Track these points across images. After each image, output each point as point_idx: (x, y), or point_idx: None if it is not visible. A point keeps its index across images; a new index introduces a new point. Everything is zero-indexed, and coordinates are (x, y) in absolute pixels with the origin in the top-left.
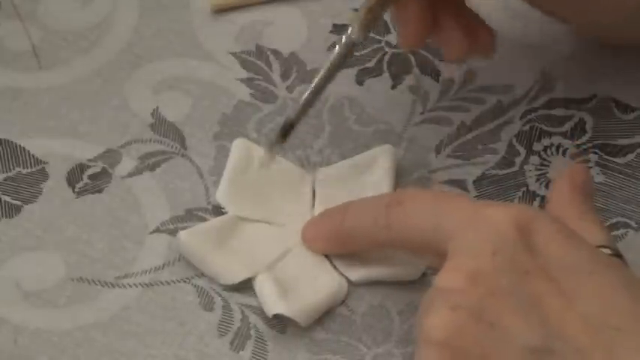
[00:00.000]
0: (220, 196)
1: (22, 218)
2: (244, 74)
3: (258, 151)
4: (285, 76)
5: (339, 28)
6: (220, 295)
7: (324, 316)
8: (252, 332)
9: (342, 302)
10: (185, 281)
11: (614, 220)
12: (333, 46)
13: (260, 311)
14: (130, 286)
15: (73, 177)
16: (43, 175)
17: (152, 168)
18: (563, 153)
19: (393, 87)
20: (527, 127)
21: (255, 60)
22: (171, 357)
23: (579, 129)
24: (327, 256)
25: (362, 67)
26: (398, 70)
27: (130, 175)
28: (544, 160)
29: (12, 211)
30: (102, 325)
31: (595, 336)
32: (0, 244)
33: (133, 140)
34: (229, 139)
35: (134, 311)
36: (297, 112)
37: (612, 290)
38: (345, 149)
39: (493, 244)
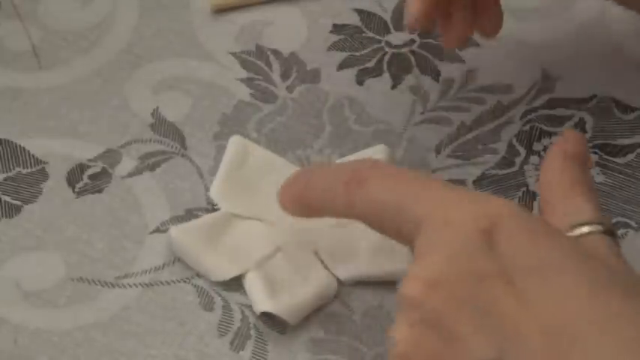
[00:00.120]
0: (214, 192)
1: (22, 218)
2: (244, 74)
3: (255, 149)
4: (285, 76)
5: (339, 28)
6: (220, 295)
7: (325, 316)
8: (252, 332)
9: (343, 303)
10: (185, 281)
11: (614, 220)
12: (333, 46)
13: None
14: (130, 286)
15: (73, 177)
16: (43, 175)
17: (152, 168)
18: None
19: (393, 87)
20: (527, 127)
21: (255, 60)
22: (171, 357)
23: (579, 129)
24: (317, 255)
25: (362, 67)
26: (398, 70)
27: (130, 175)
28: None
29: (12, 211)
30: (102, 325)
31: (549, 339)
32: (0, 244)
33: (133, 140)
34: (229, 139)
35: (134, 311)
36: None
37: (576, 292)
38: (345, 149)
39: (454, 250)
